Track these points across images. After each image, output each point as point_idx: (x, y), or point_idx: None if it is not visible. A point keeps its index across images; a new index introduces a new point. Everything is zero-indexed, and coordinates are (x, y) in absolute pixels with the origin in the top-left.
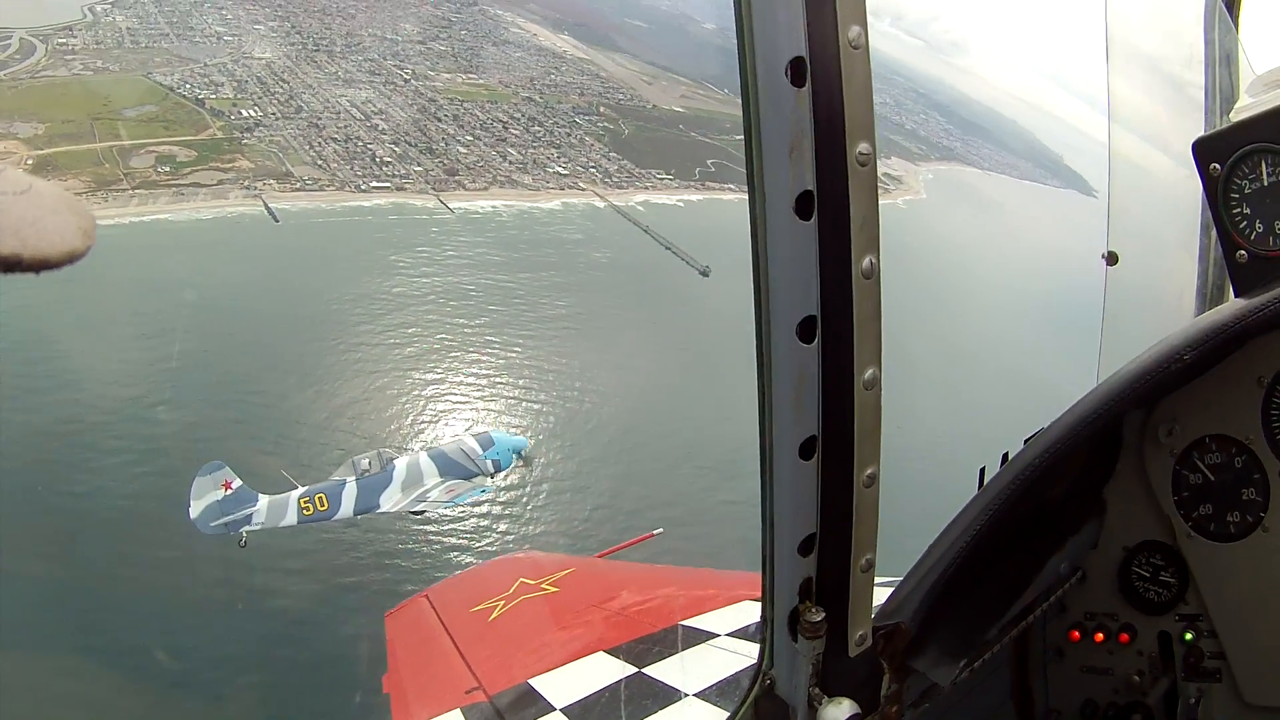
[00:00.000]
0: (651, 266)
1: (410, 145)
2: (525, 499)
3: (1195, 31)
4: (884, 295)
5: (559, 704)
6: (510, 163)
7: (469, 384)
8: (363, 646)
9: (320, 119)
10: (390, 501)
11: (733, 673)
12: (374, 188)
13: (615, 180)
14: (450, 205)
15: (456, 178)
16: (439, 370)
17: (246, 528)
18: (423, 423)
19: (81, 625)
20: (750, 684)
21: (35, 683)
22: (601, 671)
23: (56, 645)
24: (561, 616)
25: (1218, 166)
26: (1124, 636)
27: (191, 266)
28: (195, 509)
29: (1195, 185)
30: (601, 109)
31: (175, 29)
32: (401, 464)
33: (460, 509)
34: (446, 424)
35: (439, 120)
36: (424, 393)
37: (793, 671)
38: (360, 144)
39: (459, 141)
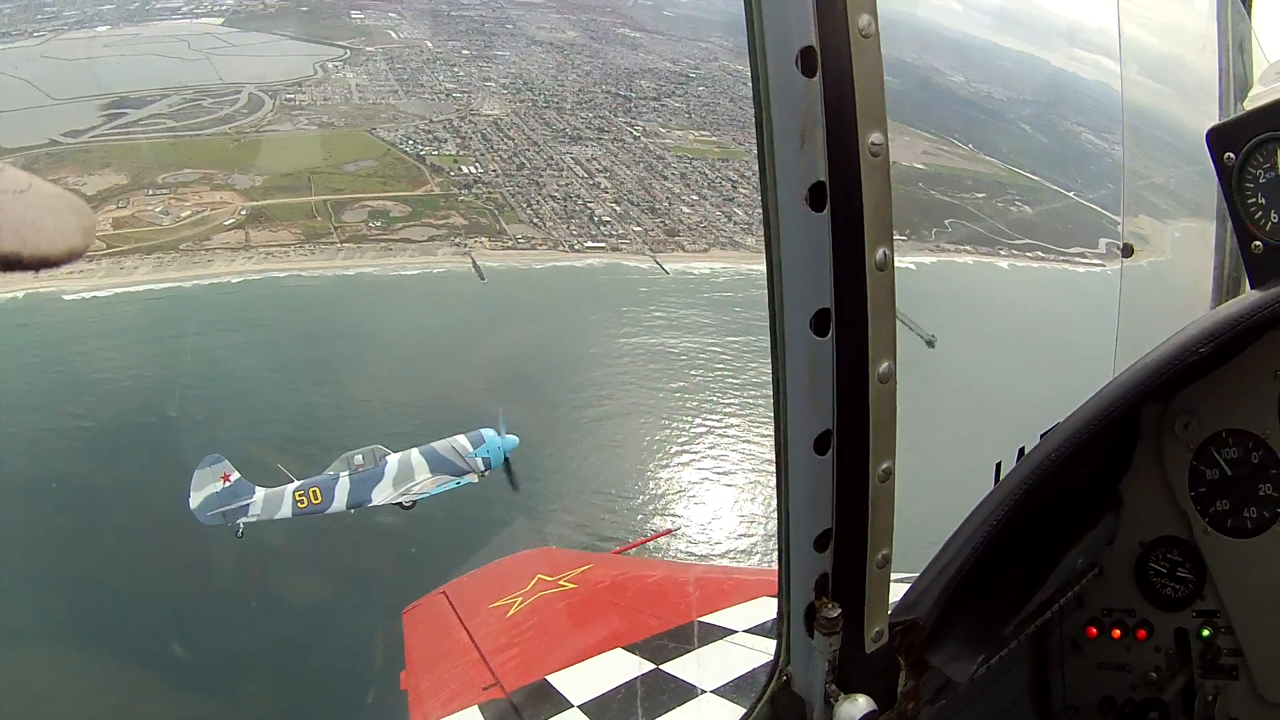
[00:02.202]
0: None
1: (632, 204)
2: None
3: (1208, 19)
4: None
5: (576, 700)
6: (735, 223)
7: (650, 451)
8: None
9: (542, 176)
10: (381, 496)
11: (750, 669)
12: (588, 248)
13: None
14: (666, 266)
15: (676, 238)
16: (619, 436)
17: (243, 519)
18: None
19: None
20: (767, 680)
21: None
22: (619, 668)
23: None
24: (579, 613)
25: (1232, 156)
26: (1141, 633)
27: (384, 317)
28: (195, 500)
29: (1210, 175)
30: None
31: (405, 85)
32: (394, 460)
33: None
34: (615, 494)
35: (664, 179)
36: (601, 457)
37: (809, 667)
38: (580, 202)
39: (684, 201)
